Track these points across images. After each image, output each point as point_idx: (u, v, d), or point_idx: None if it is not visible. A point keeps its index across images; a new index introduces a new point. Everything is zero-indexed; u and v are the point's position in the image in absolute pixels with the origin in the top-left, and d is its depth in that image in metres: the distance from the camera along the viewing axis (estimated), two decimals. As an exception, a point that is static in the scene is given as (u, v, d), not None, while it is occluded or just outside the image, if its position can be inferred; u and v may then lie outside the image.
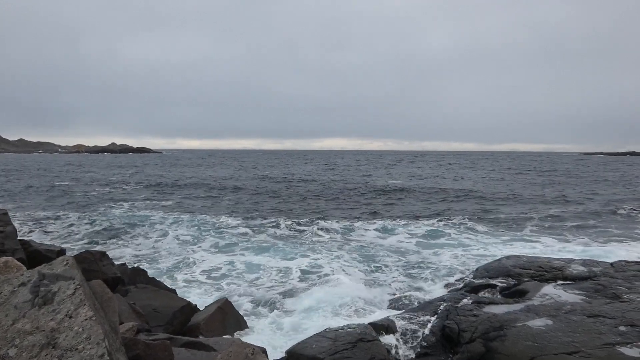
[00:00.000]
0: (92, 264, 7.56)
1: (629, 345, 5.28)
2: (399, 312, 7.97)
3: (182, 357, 4.63)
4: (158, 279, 9.54)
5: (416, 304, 8.84)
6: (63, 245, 13.16)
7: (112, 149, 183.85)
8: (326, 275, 11.68)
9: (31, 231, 17.36)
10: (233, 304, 8.39)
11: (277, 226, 18.78)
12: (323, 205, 25.53)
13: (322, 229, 17.80)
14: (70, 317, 2.50)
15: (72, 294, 2.65)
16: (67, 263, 2.95)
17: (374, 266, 12.66)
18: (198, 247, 15.14)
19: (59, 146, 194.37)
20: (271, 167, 68.77)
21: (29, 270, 3.03)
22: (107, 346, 2.35)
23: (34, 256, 7.64)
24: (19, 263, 4.12)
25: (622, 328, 5.70)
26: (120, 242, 15.90)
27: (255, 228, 18.42)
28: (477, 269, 9.85)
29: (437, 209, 23.33)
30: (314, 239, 16.20)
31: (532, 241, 15.73)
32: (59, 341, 2.37)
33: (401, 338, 6.70)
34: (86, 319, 2.47)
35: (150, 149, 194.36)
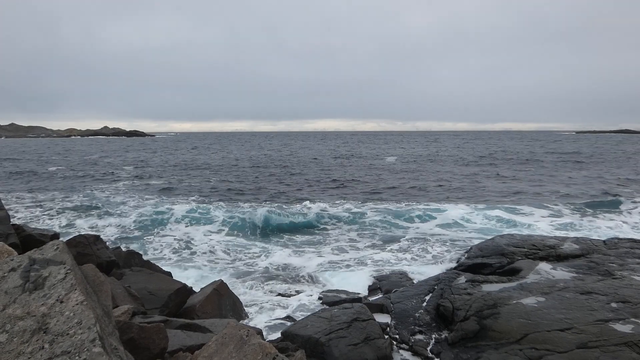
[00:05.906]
0: (86, 248, 7.51)
1: (620, 322, 5.34)
2: (394, 291, 8.02)
3: (178, 338, 4.64)
4: (152, 262, 9.53)
5: (411, 283, 8.90)
6: (56, 230, 13.11)
7: (105, 133, 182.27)
8: (321, 256, 11.71)
9: (25, 215, 17.26)
10: (229, 285, 8.40)
11: (275, 206, 18.75)
12: (316, 188, 25.53)
13: (320, 210, 17.81)
14: (62, 302, 2.47)
15: (62, 278, 2.62)
16: (58, 247, 2.90)
17: (371, 247, 12.71)
18: (194, 229, 15.12)
19: (51, 130, 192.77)
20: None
21: (20, 255, 2.99)
22: (99, 331, 2.32)
23: (27, 241, 7.57)
24: (9, 248, 4.07)
25: (614, 305, 5.76)
26: (113, 225, 15.84)
27: (252, 209, 18.38)
28: (471, 248, 9.90)
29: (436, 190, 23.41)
30: (312, 220, 16.21)
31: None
32: (50, 326, 2.34)
33: (396, 317, 6.75)
34: (77, 304, 2.44)
35: (143, 132, 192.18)
